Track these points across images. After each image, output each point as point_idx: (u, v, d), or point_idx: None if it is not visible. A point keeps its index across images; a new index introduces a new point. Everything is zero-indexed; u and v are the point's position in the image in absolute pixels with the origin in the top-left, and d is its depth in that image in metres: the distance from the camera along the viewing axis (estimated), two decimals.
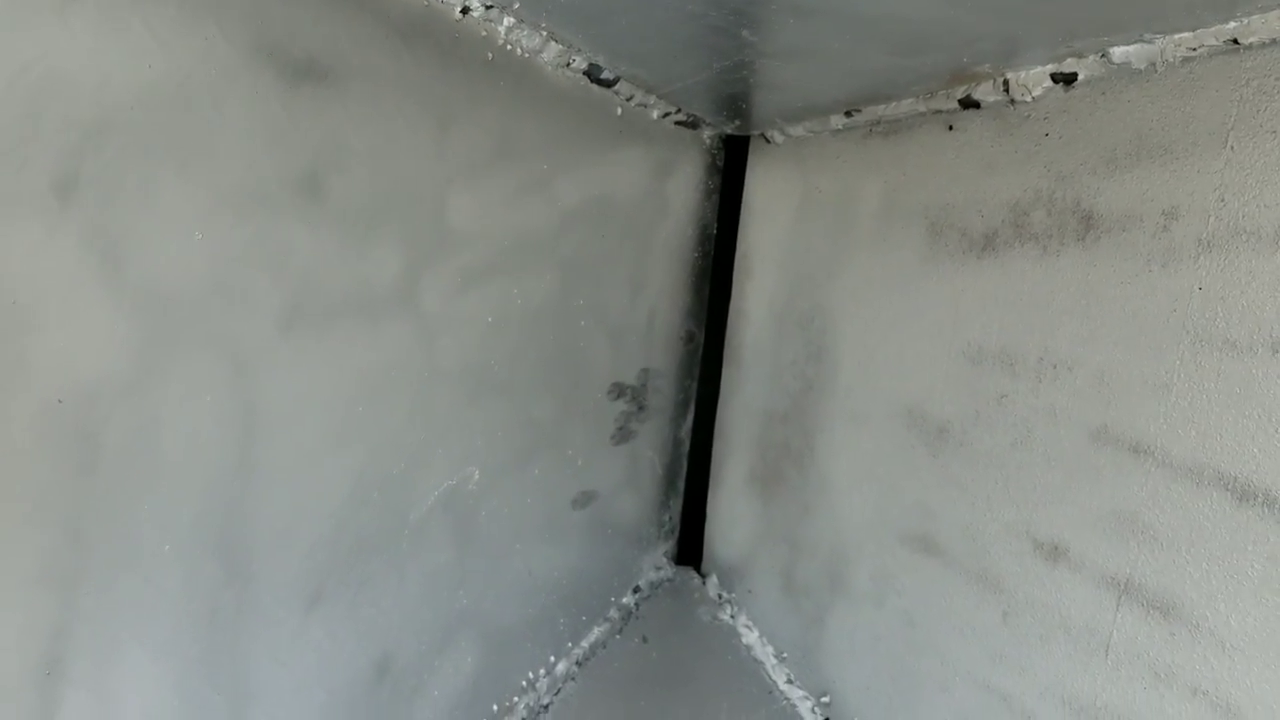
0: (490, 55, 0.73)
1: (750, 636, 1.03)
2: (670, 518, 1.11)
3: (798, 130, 0.97)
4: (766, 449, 1.02)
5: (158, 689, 0.60)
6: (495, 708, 0.89)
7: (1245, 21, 0.60)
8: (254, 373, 0.62)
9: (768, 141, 1.01)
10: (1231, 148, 0.62)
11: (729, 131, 1.03)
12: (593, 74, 0.83)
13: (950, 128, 0.82)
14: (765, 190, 1.03)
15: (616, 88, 0.86)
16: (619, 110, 0.89)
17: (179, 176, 0.55)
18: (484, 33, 0.72)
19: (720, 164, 1.05)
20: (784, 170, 1.00)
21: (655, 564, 1.10)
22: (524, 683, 0.92)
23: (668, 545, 1.12)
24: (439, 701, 0.83)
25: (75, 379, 0.52)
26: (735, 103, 0.91)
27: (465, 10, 0.69)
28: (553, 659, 0.95)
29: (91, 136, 0.51)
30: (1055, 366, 0.72)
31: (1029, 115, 0.75)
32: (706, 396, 1.09)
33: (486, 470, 0.83)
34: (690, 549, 1.12)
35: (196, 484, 0.60)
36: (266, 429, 0.63)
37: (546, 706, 0.93)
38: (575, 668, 0.97)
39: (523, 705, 0.91)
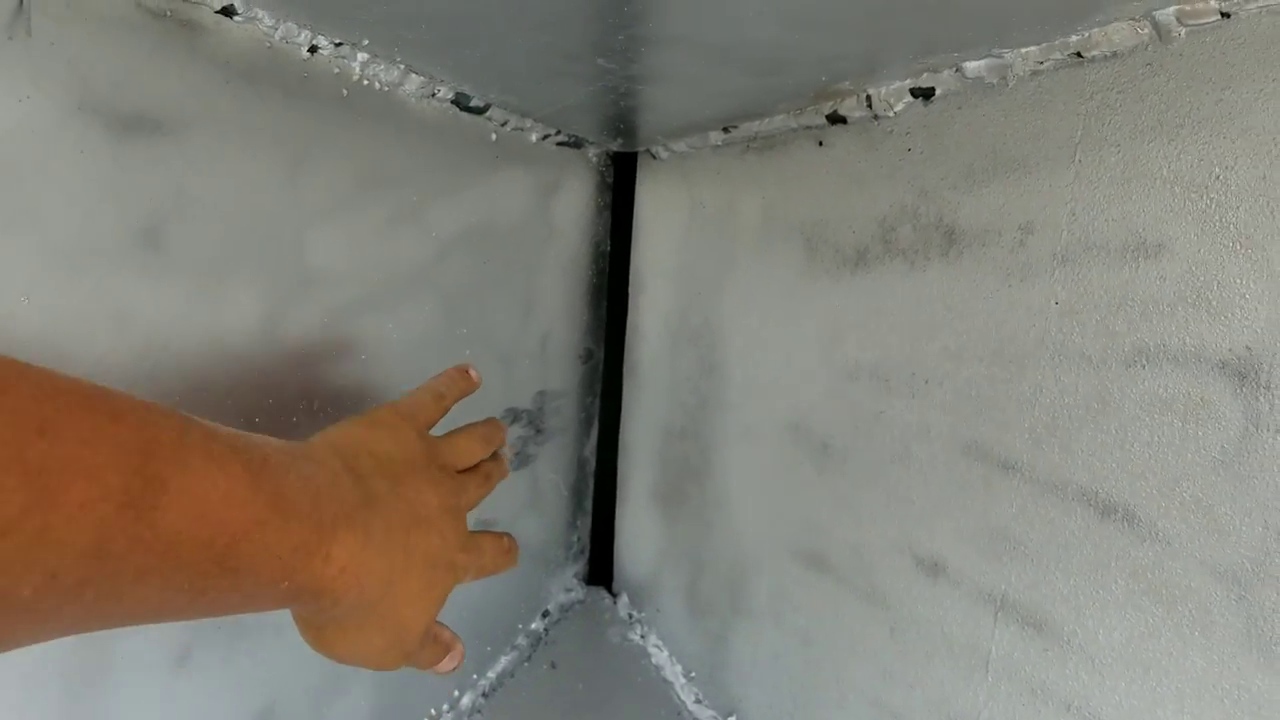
0: (345, 91, 0.72)
1: (660, 656, 1.02)
2: (579, 538, 1.11)
3: (680, 146, 0.96)
4: (668, 465, 1.02)
5: None
6: None
7: (1087, 35, 0.60)
8: None
9: (654, 157, 1.01)
10: (1079, 161, 0.62)
11: (615, 149, 1.02)
12: (461, 103, 0.81)
13: (820, 143, 0.81)
14: (654, 205, 1.02)
15: (489, 114, 0.84)
16: (494, 136, 0.87)
17: (1, 241, 0.53)
18: (336, 70, 0.70)
19: (610, 181, 1.04)
20: (671, 185, 0.99)
21: (565, 586, 1.09)
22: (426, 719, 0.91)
23: (578, 566, 1.11)
24: None
25: None
26: (615, 122, 0.91)
27: (313, 49, 0.68)
28: (456, 693, 0.94)
29: None
30: (926, 382, 0.72)
31: (892, 130, 0.75)
32: (610, 414, 1.09)
33: None
34: (601, 568, 1.12)
35: None
36: None
37: None
38: (481, 699, 0.95)
39: None
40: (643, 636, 1.05)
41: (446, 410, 0.67)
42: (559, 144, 0.95)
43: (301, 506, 0.44)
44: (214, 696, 0.71)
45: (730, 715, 0.93)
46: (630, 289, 1.06)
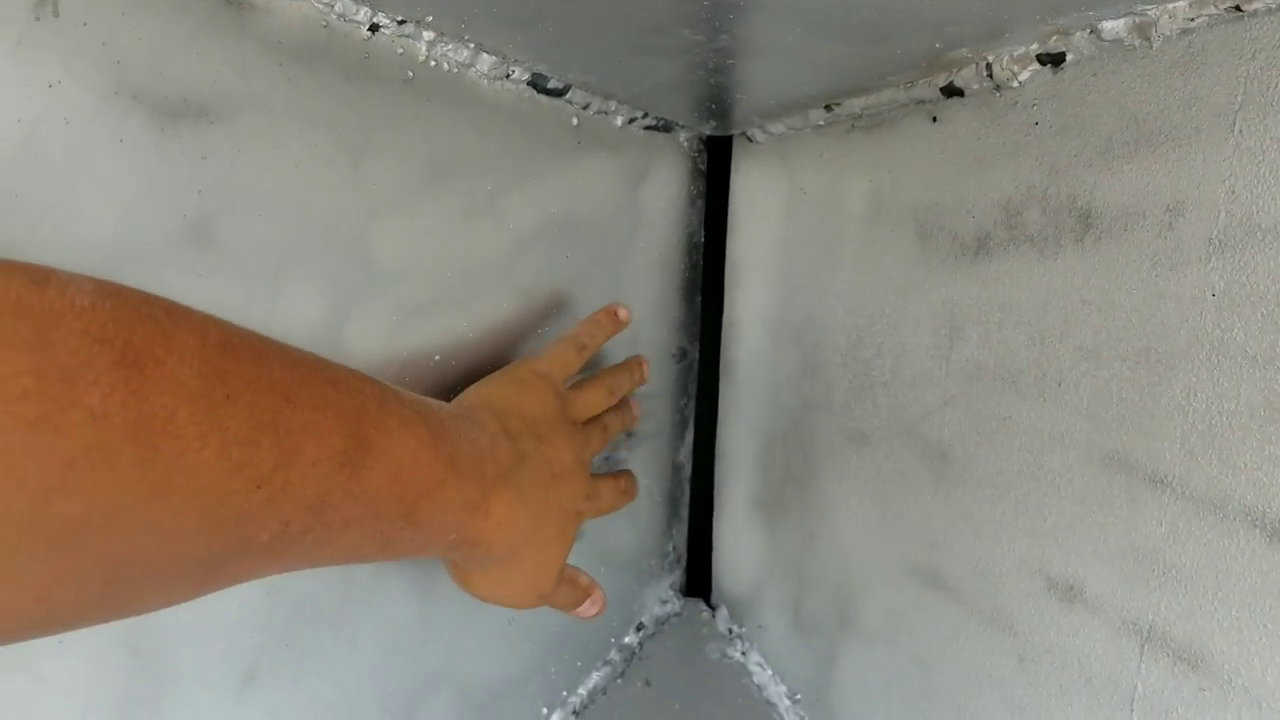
0: (410, 74, 0.67)
1: (762, 676, 0.96)
2: (674, 547, 1.05)
3: (779, 128, 0.89)
4: (769, 472, 0.95)
5: None
6: None
7: None
8: None
9: (750, 141, 0.94)
10: (1240, 131, 0.53)
11: (708, 133, 0.96)
12: (538, 84, 0.76)
13: (934, 119, 0.74)
14: (751, 194, 0.95)
15: (568, 96, 0.79)
16: (575, 120, 0.82)
17: (36, 240, 0.49)
18: (400, 50, 0.66)
19: (703, 167, 0.98)
20: (769, 171, 0.93)
21: (661, 597, 1.04)
22: None
23: (674, 576, 1.05)
24: None
25: None
26: (707, 102, 0.84)
27: (374, 28, 0.63)
28: (545, 711, 0.89)
29: None
30: (1059, 384, 0.64)
31: (1016, 102, 0.67)
32: (705, 416, 1.02)
33: None
34: (699, 579, 1.06)
35: None
36: None
37: None
38: (572, 717, 0.90)
39: None
40: (744, 654, 0.99)
41: (588, 359, 0.76)
42: (647, 128, 0.89)
43: (470, 467, 0.51)
44: (284, 718, 0.67)
45: None
46: (726, 283, 0.99)
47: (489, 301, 0.77)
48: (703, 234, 1.00)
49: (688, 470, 1.04)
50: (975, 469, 0.72)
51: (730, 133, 0.96)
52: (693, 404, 1.03)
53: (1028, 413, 0.67)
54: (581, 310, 0.86)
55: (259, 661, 0.65)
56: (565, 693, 0.92)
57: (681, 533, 1.06)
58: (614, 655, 0.97)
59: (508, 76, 0.74)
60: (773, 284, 0.93)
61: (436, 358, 0.73)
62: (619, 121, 0.86)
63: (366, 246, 0.67)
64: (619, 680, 0.95)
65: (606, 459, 0.91)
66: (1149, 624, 0.60)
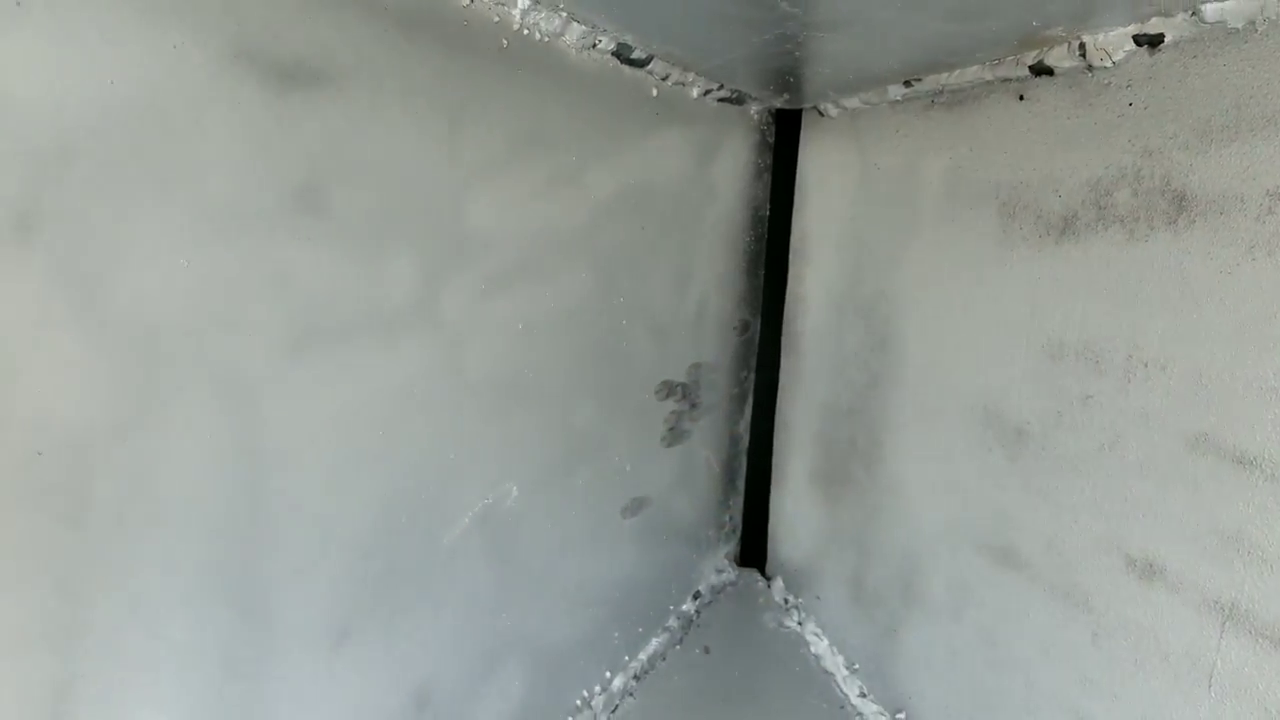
0: (505, 42, 0.68)
1: (819, 645, 0.97)
2: (731, 518, 1.06)
3: (853, 102, 0.90)
4: (831, 445, 0.96)
5: None
6: None
7: None
8: (258, 403, 0.57)
9: (821, 115, 0.94)
10: (1245, 122, 0.54)
11: (779, 106, 0.96)
12: (622, 54, 0.76)
13: (1021, 98, 0.74)
14: (821, 168, 0.96)
15: (650, 67, 0.80)
16: (654, 91, 0.82)
17: (157, 201, 0.50)
18: (496, 18, 0.66)
19: (771, 141, 0.98)
20: (840, 146, 0.93)
21: (717, 567, 1.05)
22: (578, 702, 0.88)
23: (729, 546, 1.07)
24: None
25: (54, 429, 0.48)
26: (783, 76, 0.84)
27: None
28: (608, 675, 0.91)
29: (50, 166, 0.46)
30: (1146, 365, 0.65)
31: (1109, 83, 0.67)
32: (765, 388, 1.03)
33: (525, 485, 0.78)
34: (754, 550, 1.07)
35: (201, 528, 0.56)
36: (277, 462, 0.59)
37: None
38: (633, 682, 0.92)
39: None
40: (800, 623, 1.00)
41: None
42: (720, 100, 0.90)
43: None
44: (371, 676, 0.69)
45: (899, 713, 0.88)
46: (791, 257, 1.00)
47: (569, 270, 0.78)
48: (768, 207, 1.00)
49: (745, 442, 1.05)
50: (1053, 447, 0.72)
51: (801, 106, 0.96)
52: (753, 376, 1.04)
53: (1112, 392, 0.67)
54: (654, 281, 0.86)
55: (351, 621, 0.66)
56: (627, 657, 0.93)
57: (738, 504, 1.06)
58: (673, 622, 0.98)
59: (594, 46, 0.74)
60: (842, 259, 0.94)
61: (520, 325, 0.74)
62: (695, 93, 0.86)
63: (460, 216, 0.67)
64: (677, 647, 0.96)
65: (672, 429, 0.92)
66: (1231, 602, 0.60)
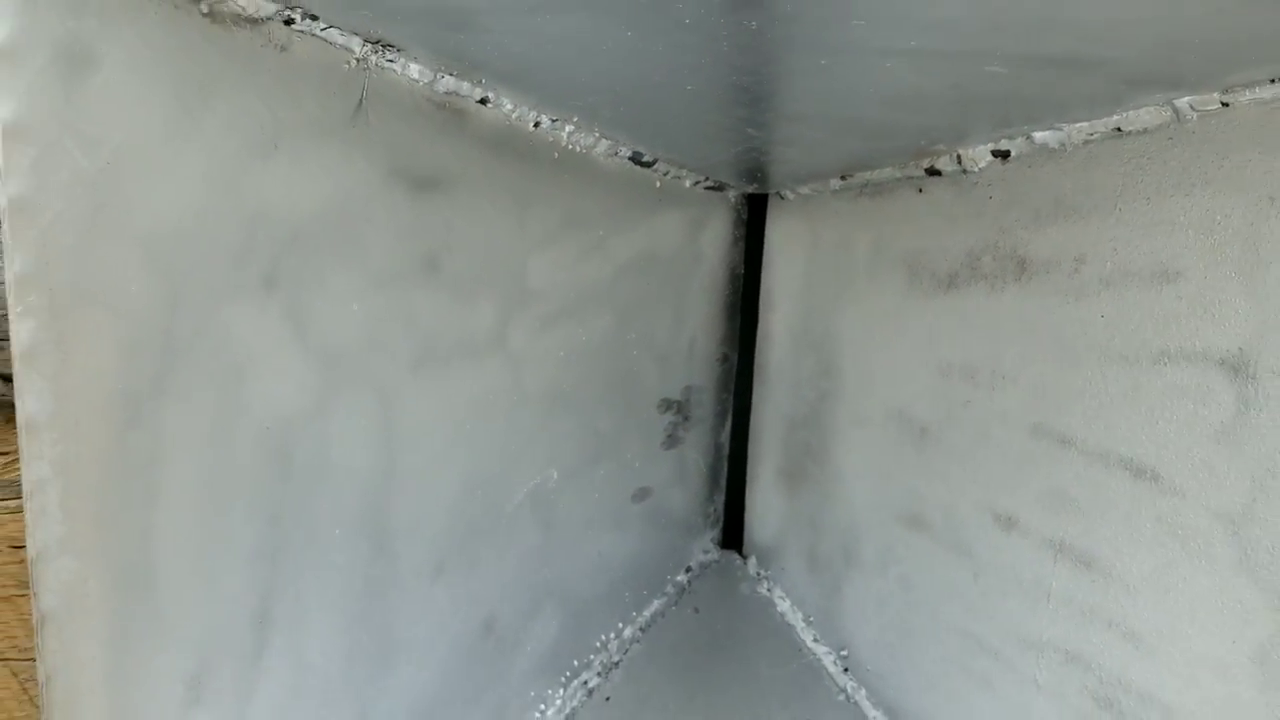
0: (556, 154, 0.93)
1: (783, 605, 1.21)
2: (715, 509, 1.30)
3: (805, 190, 1.16)
4: (791, 449, 1.21)
5: (330, 635, 0.79)
6: (575, 663, 1.08)
7: (1124, 115, 0.77)
8: (393, 403, 0.81)
9: (782, 199, 1.20)
10: (1119, 209, 0.79)
11: (750, 191, 1.22)
12: (636, 159, 1.02)
13: (920, 190, 1.00)
14: (782, 239, 1.22)
15: (655, 167, 1.05)
16: (658, 183, 1.08)
17: (341, 267, 0.75)
18: (551, 138, 0.92)
19: (745, 217, 1.24)
20: (796, 223, 1.19)
21: (704, 548, 1.29)
22: (598, 644, 1.12)
23: (714, 532, 1.31)
24: (531, 656, 1.02)
25: (276, 412, 0.72)
26: (753, 171, 1.10)
27: (537, 124, 0.89)
28: (621, 625, 1.15)
29: (286, 244, 0.70)
30: (1004, 378, 0.90)
31: (977, 182, 0.93)
32: (741, 407, 1.28)
33: (562, 471, 1.02)
34: (733, 535, 1.31)
35: (355, 486, 0.80)
36: (403, 445, 0.83)
37: (617, 664, 1.12)
38: (639, 633, 1.16)
39: (597, 662, 1.10)
40: (768, 590, 1.24)
41: None
42: (706, 188, 1.15)
43: None
44: (456, 603, 0.92)
45: (843, 650, 1.12)
46: (760, 306, 1.25)
47: (596, 314, 1.03)
48: (743, 268, 1.25)
49: (727, 449, 1.30)
50: (945, 440, 0.97)
51: (767, 192, 1.22)
52: (732, 398, 1.29)
53: (982, 398, 0.93)
54: (657, 322, 1.12)
55: (445, 562, 0.90)
56: (634, 613, 1.17)
57: (720, 498, 1.31)
58: (669, 589, 1.22)
59: (616, 154, 1.00)
60: (797, 307, 1.19)
61: (562, 354, 0.99)
62: (688, 184, 1.12)
63: (524, 274, 0.92)
64: (674, 607, 1.20)
65: (669, 436, 1.17)
66: (1059, 540, 0.85)
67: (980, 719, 0.94)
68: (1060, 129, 0.82)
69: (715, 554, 1.29)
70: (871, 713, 1.06)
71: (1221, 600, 0.73)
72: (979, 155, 0.91)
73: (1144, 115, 0.76)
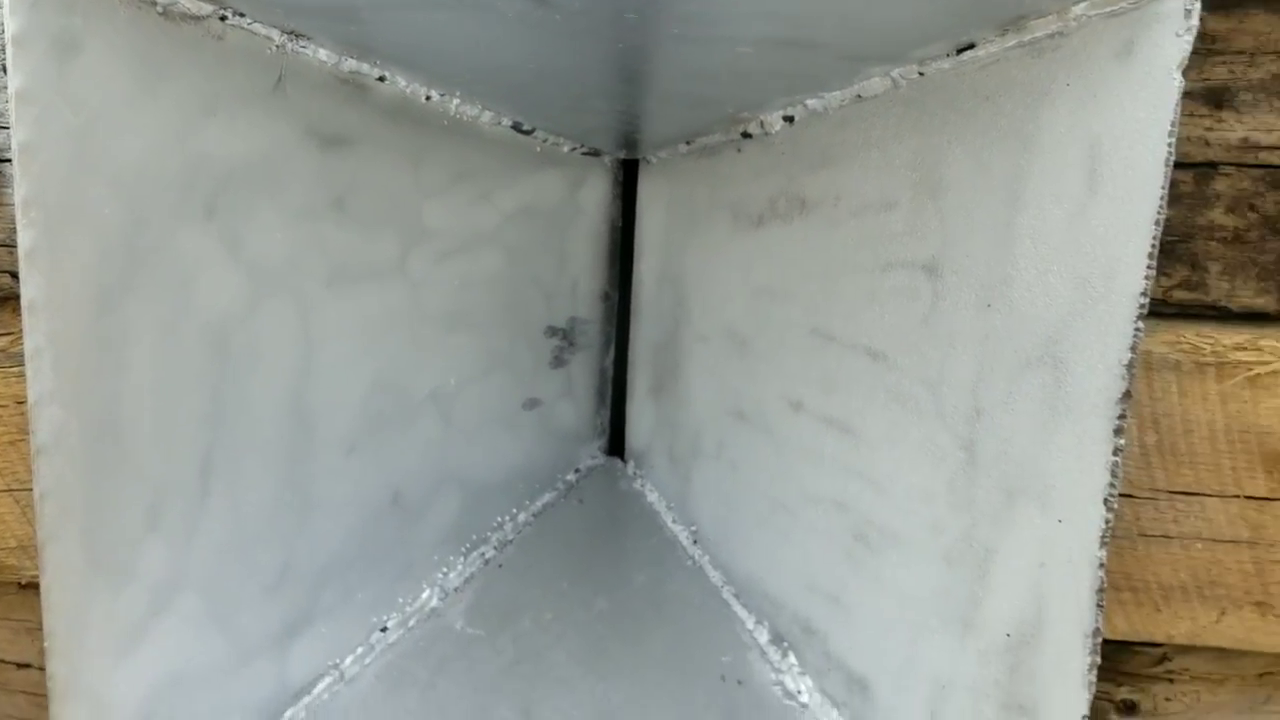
0: (446, 122, 1.13)
1: (652, 496, 1.43)
2: (601, 423, 1.52)
3: (663, 155, 1.36)
4: (657, 369, 1.43)
5: (261, 489, 0.96)
6: (475, 538, 1.29)
7: (862, 84, 0.98)
8: (310, 312, 0.99)
9: (648, 163, 1.41)
10: (861, 157, 1.00)
11: (622, 156, 1.44)
12: (517, 127, 1.22)
13: (739, 150, 1.21)
14: (648, 197, 1.42)
15: (535, 134, 1.25)
16: (538, 148, 1.29)
17: (266, 202, 0.92)
18: (440, 109, 1.12)
19: (620, 178, 1.45)
20: (658, 183, 1.40)
21: (591, 454, 1.51)
22: (495, 524, 1.33)
23: (601, 442, 1.52)
24: (435, 528, 1.23)
25: (215, 312, 0.89)
26: (624, 139, 1.31)
27: (428, 97, 1.10)
28: (516, 511, 1.36)
29: (222, 183, 0.89)
30: (792, 294, 1.11)
31: (774, 142, 1.14)
32: (622, 338, 1.50)
33: (460, 378, 1.23)
34: (617, 444, 1.53)
35: (279, 375, 0.97)
36: (318, 345, 1.01)
37: (511, 541, 1.33)
38: (532, 518, 1.37)
39: (495, 539, 1.32)
40: (641, 485, 1.45)
41: None
42: (583, 153, 1.36)
43: None
44: (368, 478, 1.13)
45: (693, 526, 1.33)
46: (635, 252, 1.46)
47: (488, 254, 1.24)
48: (621, 221, 1.47)
49: (610, 373, 1.51)
50: (756, 347, 1.19)
51: (637, 157, 1.44)
52: (614, 330, 1.50)
53: (779, 309, 1.14)
54: (543, 263, 1.34)
55: (358, 440, 1.11)
56: (528, 502, 1.38)
57: (606, 414, 1.52)
58: (560, 485, 1.43)
59: (499, 123, 1.21)
60: (659, 252, 1.40)
61: (457, 282, 1.20)
62: (566, 149, 1.33)
63: (421, 216, 1.14)
64: (563, 499, 1.42)
65: (556, 357, 1.39)
66: (829, 415, 1.07)
67: (783, 565, 1.16)
68: (822, 97, 1.04)
69: (601, 460, 1.51)
70: (712, 573, 1.28)
71: (928, 445, 0.93)
72: (774, 120, 1.13)
73: (874, 84, 0.97)
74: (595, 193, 1.41)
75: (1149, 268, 0.71)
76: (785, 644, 1.14)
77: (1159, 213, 0.70)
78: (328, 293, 1.03)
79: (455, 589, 1.25)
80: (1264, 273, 0.80)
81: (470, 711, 1.09)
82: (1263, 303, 0.81)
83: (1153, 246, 0.71)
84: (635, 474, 1.47)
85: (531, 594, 1.26)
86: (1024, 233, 0.82)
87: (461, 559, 1.27)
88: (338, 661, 1.11)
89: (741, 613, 1.22)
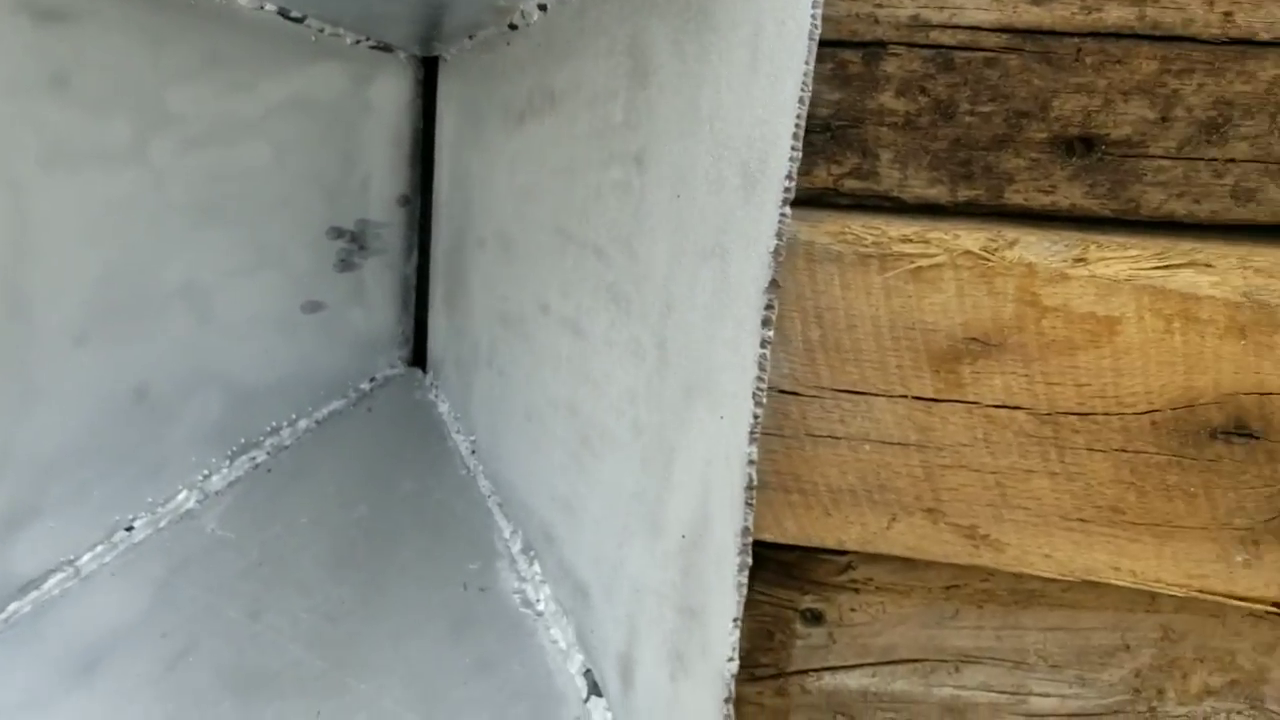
0: (192, 1, 1.08)
1: (444, 407, 1.39)
2: (404, 331, 1.47)
3: (453, 51, 1.31)
4: (449, 276, 1.37)
5: None
6: (243, 441, 1.25)
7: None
8: (24, 193, 0.95)
9: (445, 61, 1.36)
10: (579, 48, 0.96)
11: (418, 54, 1.38)
12: (284, 14, 1.16)
13: (508, 44, 1.16)
14: (444, 98, 1.36)
15: (306, 22, 1.19)
16: (313, 38, 1.22)
17: None
18: None
19: (420, 77, 1.39)
20: (451, 83, 1.33)
21: (390, 363, 1.46)
22: (269, 428, 1.29)
23: (403, 351, 1.47)
24: (191, 428, 1.18)
25: None
26: (413, 36, 1.26)
27: None
28: (295, 416, 1.31)
29: None
30: (543, 193, 1.06)
31: (533, 33, 1.08)
32: (424, 242, 1.45)
33: (217, 274, 1.17)
34: (419, 354, 1.49)
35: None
36: (36, 228, 0.97)
37: (288, 447, 1.29)
38: (314, 425, 1.32)
39: (268, 443, 1.27)
40: (435, 395, 1.41)
41: None
42: (371, 47, 1.30)
43: None
44: (103, 370, 1.08)
45: (472, 435, 1.30)
46: (435, 156, 1.41)
47: (250, 147, 1.18)
48: (422, 123, 1.42)
49: (413, 280, 1.46)
50: (517, 250, 1.15)
51: (433, 54, 1.38)
52: (416, 235, 1.45)
53: (532, 211, 1.10)
54: (322, 159, 1.28)
55: (89, 331, 1.06)
56: (311, 409, 1.34)
57: (410, 322, 1.48)
58: (351, 394, 1.39)
59: (262, 7, 1.15)
60: (453, 155, 1.35)
61: (210, 173, 1.15)
62: (349, 41, 1.26)
63: (162, 101, 1.07)
64: (353, 407, 1.38)
65: (343, 261, 1.34)
66: (567, 317, 1.03)
67: (533, 473, 1.12)
68: None
69: (401, 369, 1.46)
70: (482, 482, 1.24)
71: (633, 344, 0.90)
72: (532, 9, 1.07)
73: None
74: (389, 90, 1.34)
75: (794, 149, 0.66)
76: (532, 552, 1.11)
77: (803, 90, 0.66)
78: (45, 174, 0.97)
79: (216, 492, 1.20)
80: (936, 161, 0.75)
81: (199, 612, 1.06)
82: (935, 193, 0.77)
83: (797, 127, 0.66)
84: (431, 384, 1.43)
85: (294, 500, 1.22)
86: (704, 118, 0.78)
87: (227, 463, 1.23)
88: (74, 558, 1.07)
89: (502, 522, 1.18)
